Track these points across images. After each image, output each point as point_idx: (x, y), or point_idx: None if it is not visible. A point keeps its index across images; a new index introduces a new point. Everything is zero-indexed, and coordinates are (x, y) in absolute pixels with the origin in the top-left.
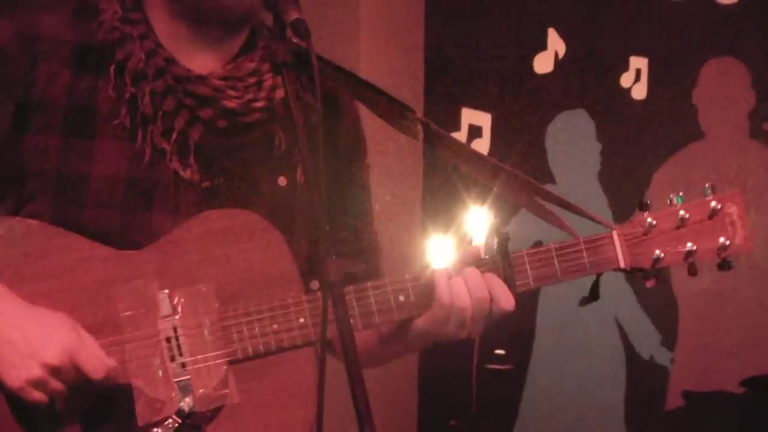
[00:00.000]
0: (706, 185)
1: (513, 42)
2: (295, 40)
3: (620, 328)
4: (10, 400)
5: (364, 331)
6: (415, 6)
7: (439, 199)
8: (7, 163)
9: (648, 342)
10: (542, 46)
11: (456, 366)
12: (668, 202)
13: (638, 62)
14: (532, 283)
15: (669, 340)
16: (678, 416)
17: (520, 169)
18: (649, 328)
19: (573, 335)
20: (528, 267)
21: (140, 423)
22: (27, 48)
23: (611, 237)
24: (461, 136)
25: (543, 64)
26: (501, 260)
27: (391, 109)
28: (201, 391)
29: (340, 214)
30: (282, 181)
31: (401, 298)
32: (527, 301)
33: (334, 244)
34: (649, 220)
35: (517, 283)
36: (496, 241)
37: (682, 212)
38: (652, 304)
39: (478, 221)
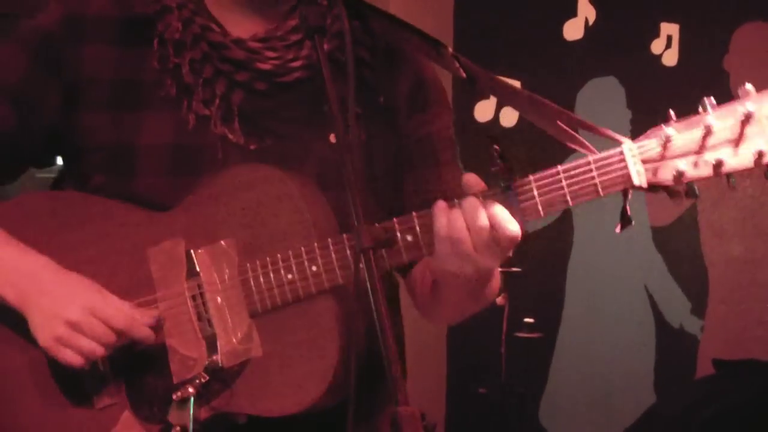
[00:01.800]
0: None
1: (543, 8)
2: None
3: (650, 296)
4: (55, 366)
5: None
6: None
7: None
8: (65, 140)
9: (678, 310)
10: (572, 13)
11: (485, 334)
12: (699, 111)
13: (669, 28)
14: (541, 209)
15: (699, 309)
16: (707, 384)
17: (547, 138)
18: (678, 296)
19: (602, 303)
20: (536, 193)
21: (175, 381)
22: (74, 30)
23: (621, 152)
24: (491, 102)
25: (573, 30)
26: (502, 185)
27: (430, 47)
28: (227, 346)
29: (406, 168)
30: (332, 137)
31: (409, 237)
32: (556, 270)
33: (384, 203)
34: (667, 130)
35: (525, 208)
36: (499, 166)
37: (708, 119)
38: (682, 271)
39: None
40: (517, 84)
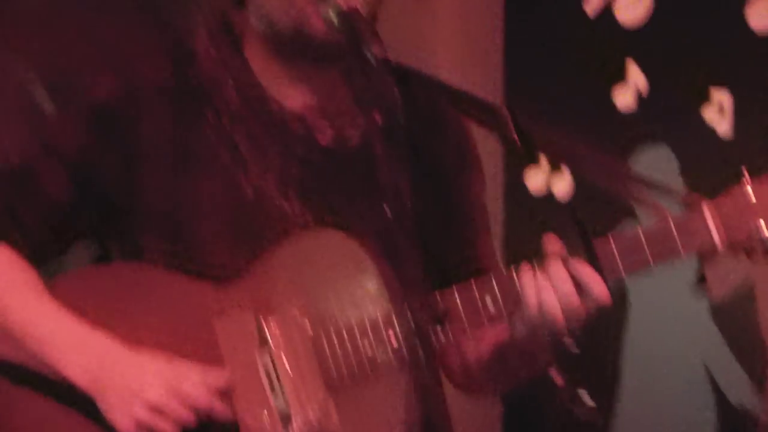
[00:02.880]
0: None
1: (591, 74)
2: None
3: (708, 373)
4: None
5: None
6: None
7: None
8: (122, 211)
9: (737, 387)
10: (621, 79)
11: (539, 406)
12: None
13: (722, 96)
14: (622, 270)
15: (760, 386)
16: None
17: (601, 204)
18: (738, 373)
19: (660, 379)
20: (617, 254)
21: None
22: (130, 100)
23: (701, 211)
24: (541, 168)
25: (622, 97)
26: (584, 247)
27: (482, 111)
28: (302, 421)
29: (450, 231)
30: (387, 208)
31: (488, 299)
32: (610, 346)
33: (441, 266)
34: (744, 189)
35: (606, 270)
36: (576, 229)
37: None
38: (742, 347)
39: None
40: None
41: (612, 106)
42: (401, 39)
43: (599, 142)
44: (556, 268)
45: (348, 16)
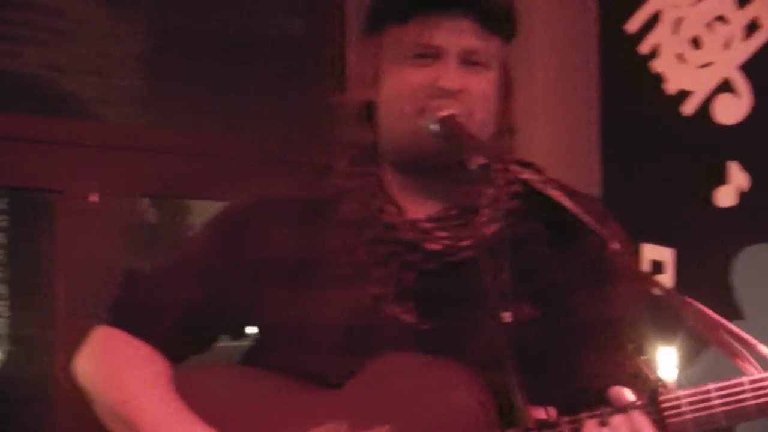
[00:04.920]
0: None
1: (692, 175)
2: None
3: None
4: None
5: None
6: (589, 136)
7: None
8: (249, 315)
9: None
10: (723, 180)
11: None
12: None
13: None
14: (690, 428)
15: None
16: None
17: (706, 305)
18: None
19: None
20: (685, 410)
21: None
22: (262, 212)
23: None
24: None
25: (725, 197)
26: (649, 404)
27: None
28: None
29: (586, 347)
30: (505, 317)
31: None
32: None
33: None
34: None
35: (671, 425)
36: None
37: None
38: None
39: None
40: (669, 253)
41: (713, 204)
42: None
43: (701, 240)
44: (620, 423)
45: (448, 123)
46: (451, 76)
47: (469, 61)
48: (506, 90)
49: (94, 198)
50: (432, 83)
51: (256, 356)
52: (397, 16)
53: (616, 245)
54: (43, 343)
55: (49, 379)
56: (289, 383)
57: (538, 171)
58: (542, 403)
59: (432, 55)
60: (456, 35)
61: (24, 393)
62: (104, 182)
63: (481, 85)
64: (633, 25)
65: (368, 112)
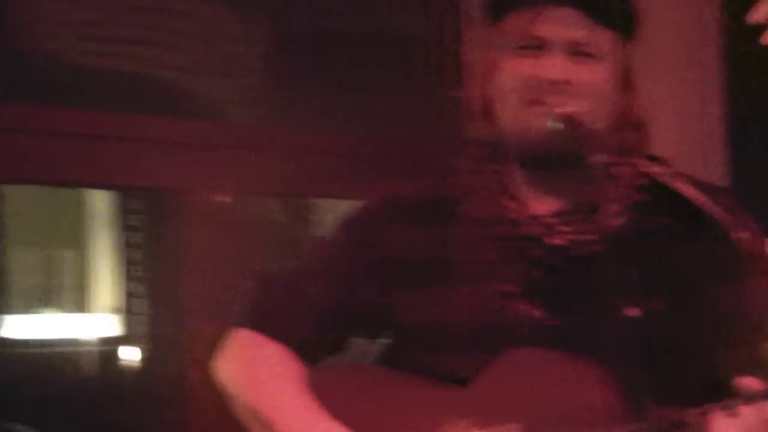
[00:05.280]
0: None
1: None
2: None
3: None
4: None
5: None
6: (716, 135)
7: None
8: (382, 316)
9: None
10: None
11: None
12: None
13: None
14: None
15: None
16: None
17: None
18: None
19: None
20: None
21: None
22: (392, 212)
23: None
24: None
25: None
26: None
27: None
28: None
29: (714, 339)
30: (633, 311)
31: None
32: None
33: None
34: None
35: None
36: None
37: None
38: None
39: None
40: None
41: None
42: None
43: None
44: (750, 415)
45: (569, 123)
46: (555, 67)
47: (578, 52)
48: (625, 83)
49: (221, 198)
50: (537, 74)
51: (386, 355)
52: (505, 7)
53: (746, 236)
54: (176, 342)
55: (183, 378)
56: (419, 382)
57: (665, 164)
58: (670, 397)
59: (538, 46)
60: (562, 26)
61: (161, 391)
62: (231, 182)
63: (591, 76)
64: (755, 15)
65: (486, 107)
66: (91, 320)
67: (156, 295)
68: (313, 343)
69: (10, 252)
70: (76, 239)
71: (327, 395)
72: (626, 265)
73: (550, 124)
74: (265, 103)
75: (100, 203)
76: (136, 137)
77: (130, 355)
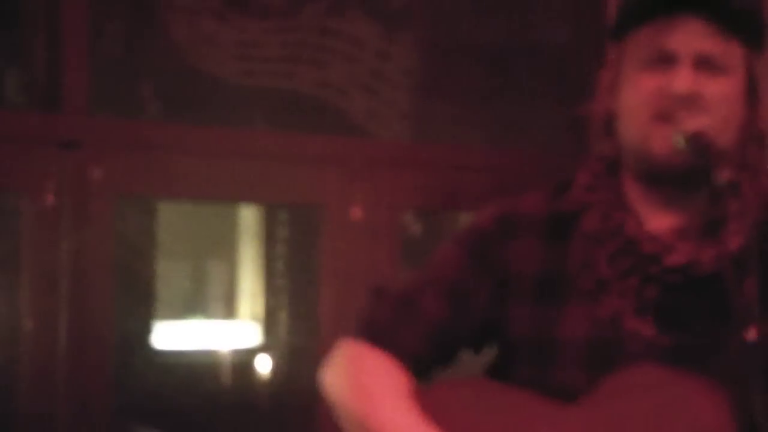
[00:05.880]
0: None
1: None
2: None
3: None
4: None
5: None
6: None
7: None
8: (494, 330)
9: None
10: None
11: None
12: None
13: None
14: None
15: None
16: None
17: None
18: None
19: None
20: None
21: None
22: (506, 227)
23: None
24: None
25: None
26: None
27: None
28: None
29: None
30: (751, 334)
31: None
32: None
33: None
34: None
35: None
36: None
37: None
38: None
39: None
40: None
41: None
42: None
43: None
44: None
45: (696, 140)
46: (682, 80)
47: (706, 65)
48: (751, 96)
49: (357, 212)
50: (664, 88)
51: (497, 370)
52: (632, 21)
53: None
54: (311, 353)
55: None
56: (529, 397)
57: None
58: None
59: (667, 60)
60: (690, 39)
61: (295, 402)
62: (368, 196)
63: (720, 90)
64: None
65: (611, 122)
66: (236, 328)
67: (294, 305)
68: (425, 357)
69: (164, 263)
70: (224, 251)
71: (434, 408)
72: (746, 286)
73: (678, 140)
74: (406, 117)
75: (247, 216)
76: (280, 155)
77: (269, 363)
